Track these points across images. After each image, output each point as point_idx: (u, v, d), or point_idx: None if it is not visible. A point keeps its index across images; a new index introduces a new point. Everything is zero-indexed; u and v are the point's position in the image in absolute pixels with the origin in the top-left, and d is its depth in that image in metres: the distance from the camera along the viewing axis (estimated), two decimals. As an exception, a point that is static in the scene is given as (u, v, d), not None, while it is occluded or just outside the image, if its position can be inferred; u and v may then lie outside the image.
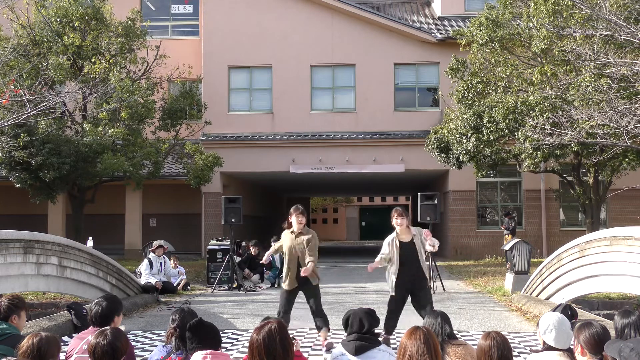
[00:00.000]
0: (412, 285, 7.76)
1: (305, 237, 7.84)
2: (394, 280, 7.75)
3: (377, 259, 7.84)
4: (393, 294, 7.82)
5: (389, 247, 7.81)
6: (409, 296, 7.85)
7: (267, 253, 8.77)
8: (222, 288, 14.14)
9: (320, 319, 7.88)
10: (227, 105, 22.92)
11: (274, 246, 8.64)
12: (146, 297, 12.21)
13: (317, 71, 23.05)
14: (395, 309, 7.85)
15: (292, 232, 7.96)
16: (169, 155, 19.87)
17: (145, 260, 13.69)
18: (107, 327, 3.89)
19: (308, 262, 7.64)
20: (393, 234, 7.88)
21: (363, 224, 62.11)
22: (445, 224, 22.33)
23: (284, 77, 22.78)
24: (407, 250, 7.72)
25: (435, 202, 14.39)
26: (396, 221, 7.77)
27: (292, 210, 7.97)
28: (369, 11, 22.94)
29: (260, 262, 14.29)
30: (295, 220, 7.89)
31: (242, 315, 10.56)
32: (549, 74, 14.45)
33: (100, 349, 3.61)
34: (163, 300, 12.51)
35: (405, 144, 22.12)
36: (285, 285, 7.96)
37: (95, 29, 17.63)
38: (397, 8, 26.02)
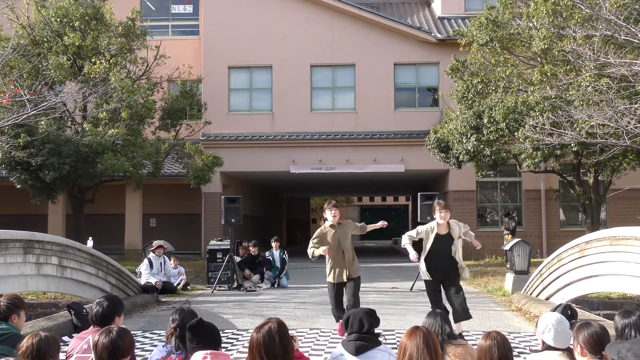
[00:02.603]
0: (443, 276, 8.02)
1: (346, 227, 8.15)
2: (425, 266, 7.98)
3: (407, 240, 8.02)
4: (427, 278, 8.04)
5: (424, 233, 7.95)
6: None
7: (321, 249, 8.04)
8: (222, 288, 14.13)
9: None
10: (227, 105, 22.93)
11: (315, 243, 8.12)
12: (146, 297, 12.21)
13: (317, 71, 23.05)
14: (434, 289, 8.07)
15: (331, 226, 8.14)
16: (169, 155, 19.87)
17: (145, 260, 13.69)
18: (114, 326, 3.90)
19: (367, 227, 8.28)
20: (432, 224, 8.01)
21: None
22: (445, 224, 22.29)
23: (284, 77, 22.78)
24: (442, 244, 7.91)
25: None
26: (440, 214, 7.87)
27: (325, 205, 8.20)
28: (369, 11, 22.94)
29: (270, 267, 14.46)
30: (330, 213, 8.09)
31: (242, 315, 10.55)
32: (549, 74, 14.45)
33: (101, 345, 3.65)
34: (163, 300, 12.50)
35: (405, 144, 22.12)
36: (331, 279, 8.19)
37: (95, 29, 17.63)
38: (397, 8, 26.02)
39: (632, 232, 8.22)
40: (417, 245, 8.10)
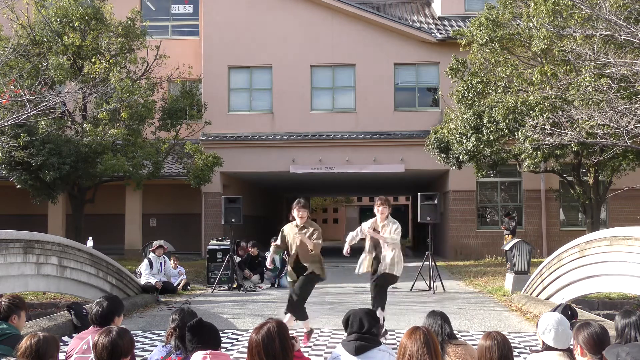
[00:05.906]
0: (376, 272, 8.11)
1: (309, 230, 7.90)
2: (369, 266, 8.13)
3: (349, 237, 8.13)
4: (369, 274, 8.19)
5: (362, 231, 8.08)
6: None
7: (269, 256, 8.88)
8: (222, 288, 14.13)
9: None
10: (227, 106, 22.93)
11: (273, 247, 8.73)
12: (146, 297, 12.20)
13: (317, 71, 23.05)
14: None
15: (296, 225, 7.99)
16: (169, 155, 19.87)
17: (145, 260, 13.68)
18: (114, 326, 3.90)
19: (313, 241, 7.78)
20: (372, 220, 8.07)
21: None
22: (445, 224, 22.32)
23: (284, 77, 22.78)
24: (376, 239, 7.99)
25: (435, 202, 14.38)
26: (378, 209, 7.93)
27: (294, 204, 8.00)
28: (369, 11, 22.94)
29: (266, 266, 14.33)
30: (297, 214, 7.90)
31: (242, 315, 10.55)
32: (549, 74, 14.44)
33: (101, 345, 3.66)
34: (163, 300, 12.50)
35: (405, 144, 22.12)
36: (289, 279, 8.16)
37: (95, 29, 17.63)
38: (397, 8, 26.02)
39: (632, 232, 8.22)
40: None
